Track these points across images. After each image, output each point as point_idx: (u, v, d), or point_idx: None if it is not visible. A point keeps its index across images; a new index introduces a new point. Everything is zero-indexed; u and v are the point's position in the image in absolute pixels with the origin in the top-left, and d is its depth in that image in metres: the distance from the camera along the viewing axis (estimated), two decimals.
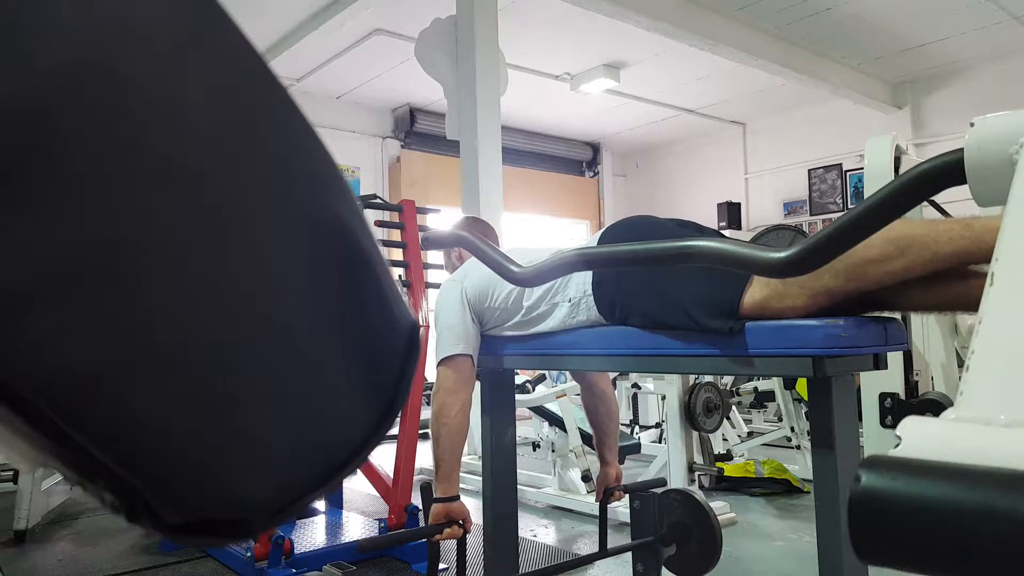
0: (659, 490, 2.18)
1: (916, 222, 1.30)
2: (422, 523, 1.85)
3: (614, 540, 3.17)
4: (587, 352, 1.66)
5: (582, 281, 1.65)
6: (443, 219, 3.92)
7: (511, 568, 1.94)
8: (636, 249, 1.08)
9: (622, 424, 5.34)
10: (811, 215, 8.14)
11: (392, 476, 3.11)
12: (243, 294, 0.39)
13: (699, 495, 2.13)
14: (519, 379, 4.20)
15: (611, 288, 1.58)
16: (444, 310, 1.87)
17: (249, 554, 2.63)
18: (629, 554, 2.17)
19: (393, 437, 3.16)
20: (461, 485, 4.52)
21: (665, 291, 1.46)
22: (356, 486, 3.95)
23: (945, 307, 1.33)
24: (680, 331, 1.44)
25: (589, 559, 2.29)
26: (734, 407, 4.56)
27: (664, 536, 2.08)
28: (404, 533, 2.29)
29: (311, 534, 3.09)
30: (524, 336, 1.79)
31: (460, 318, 1.83)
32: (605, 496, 2.16)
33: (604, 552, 2.16)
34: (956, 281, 1.23)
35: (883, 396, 1.87)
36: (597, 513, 2.23)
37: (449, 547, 3.15)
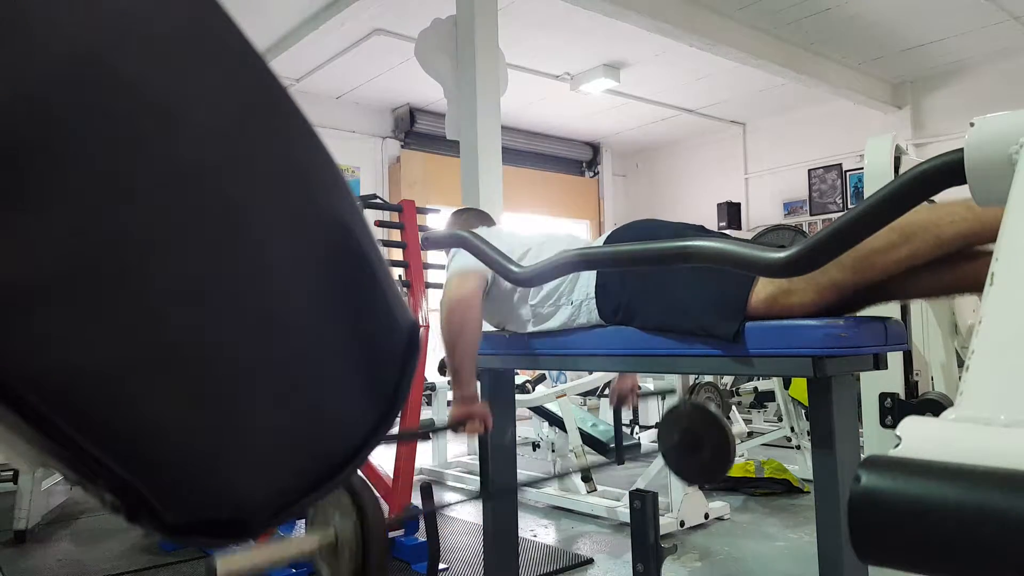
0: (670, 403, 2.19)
1: (918, 207, 1.30)
2: (422, 523, 1.85)
3: (615, 541, 3.17)
4: (587, 352, 1.66)
5: (585, 284, 1.65)
6: (443, 219, 3.92)
7: (511, 568, 1.94)
8: (637, 249, 1.08)
9: (622, 424, 5.34)
10: (811, 215, 8.14)
11: (392, 476, 3.11)
12: (243, 295, 0.39)
13: (711, 405, 2.10)
14: (519, 379, 4.20)
15: (614, 292, 1.58)
16: (461, 258, 1.81)
17: None
18: (629, 554, 2.17)
19: (393, 437, 3.16)
20: (460, 485, 4.52)
21: (670, 297, 1.45)
22: None
23: (955, 290, 1.32)
24: (684, 335, 1.43)
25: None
26: (734, 407, 4.56)
27: (679, 444, 2.03)
28: (427, 426, 2.33)
29: None
30: (524, 336, 1.79)
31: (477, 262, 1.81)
32: (619, 401, 2.17)
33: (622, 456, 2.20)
34: (964, 263, 1.22)
35: (883, 396, 1.87)
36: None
37: (449, 547, 3.15)
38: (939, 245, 1.18)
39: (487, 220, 2.29)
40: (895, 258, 1.20)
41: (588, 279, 1.64)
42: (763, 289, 1.31)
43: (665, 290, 1.46)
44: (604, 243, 1.65)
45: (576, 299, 1.66)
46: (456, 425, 1.75)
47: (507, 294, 1.78)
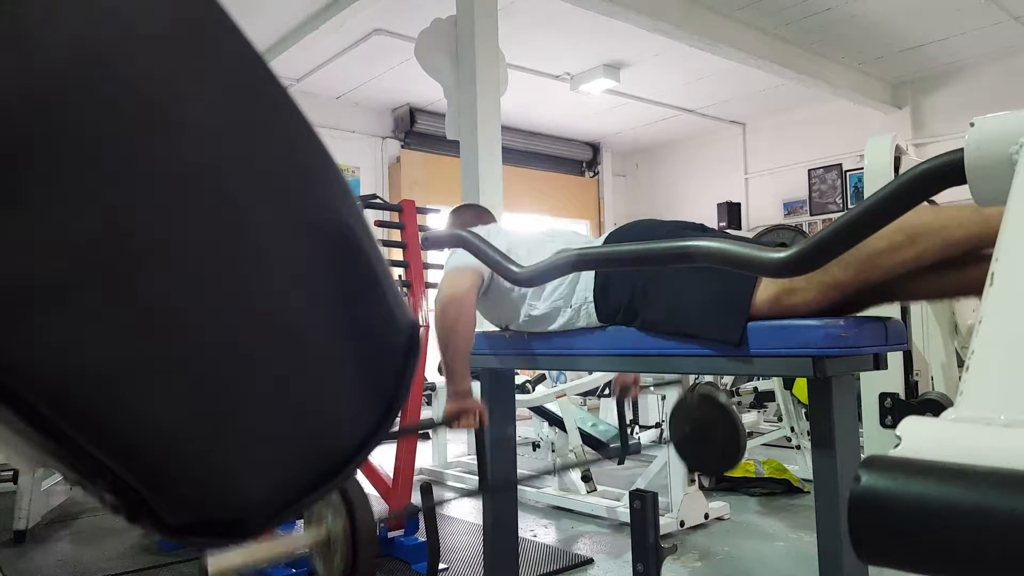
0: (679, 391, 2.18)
1: (925, 209, 1.28)
2: (422, 524, 1.85)
3: (615, 541, 3.17)
4: (587, 352, 1.66)
5: (584, 287, 1.64)
6: (443, 219, 3.92)
7: (511, 568, 1.94)
8: (636, 249, 1.08)
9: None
10: (811, 215, 8.13)
11: (392, 476, 3.11)
12: (243, 295, 0.39)
13: (721, 396, 2.08)
14: (519, 379, 4.20)
15: (615, 295, 1.57)
16: (457, 255, 1.80)
17: None
18: (629, 554, 2.17)
19: (393, 437, 3.15)
20: (460, 485, 4.51)
21: (672, 299, 1.45)
22: None
23: (960, 293, 1.32)
24: (685, 339, 1.42)
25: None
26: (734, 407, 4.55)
27: (690, 435, 2.02)
28: (426, 424, 2.33)
29: None
30: (524, 336, 1.79)
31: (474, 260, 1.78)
32: (622, 393, 2.18)
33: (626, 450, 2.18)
34: (970, 266, 1.21)
35: (883, 396, 1.87)
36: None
37: (449, 547, 3.15)
38: (945, 248, 1.18)
39: (487, 216, 2.27)
40: (900, 259, 1.19)
41: (587, 281, 1.63)
42: (766, 290, 1.31)
43: (667, 292, 1.46)
44: (603, 243, 1.65)
45: (575, 302, 1.65)
46: (451, 421, 1.74)
47: (506, 292, 1.78)
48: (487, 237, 1.81)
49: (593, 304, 1.61)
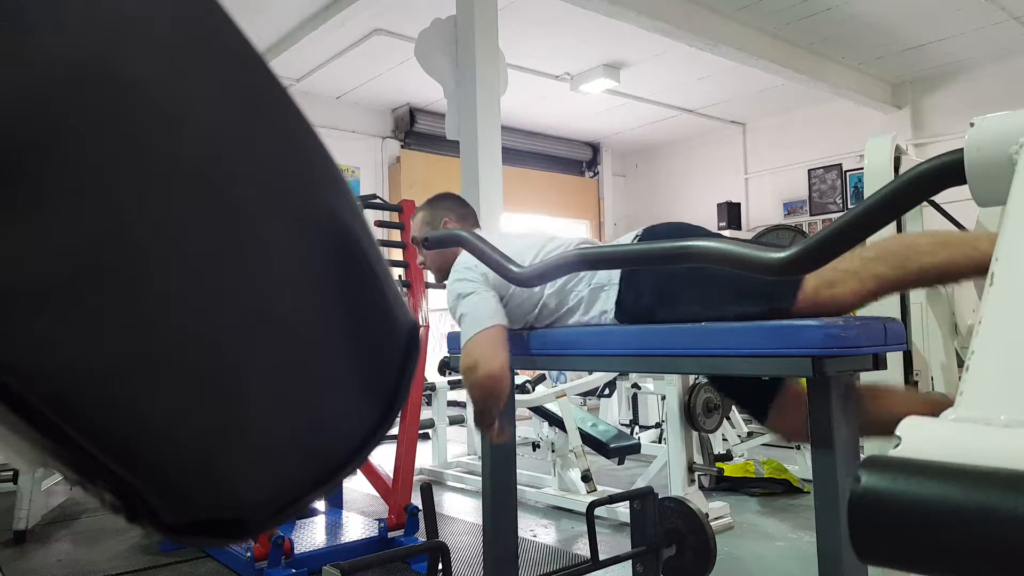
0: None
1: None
2: (422, 524, 1.84)
3: (614, 540, 3.17)
4: (587, 352, 1.66)
5: (607, 296, 1.63)
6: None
7: (511, 568, 1.94)
8: (636, 249, 1.08)
9: (622, 424, 5.35)
10: (811, 215, 8.14)
11: (392, 476, 3.11)
12: (242, 295, 0.39)
13: (692, 503, 2.15)
14: (519, 379, 4.20)
15: (637, 300, 1.57)
16: (464, 292, 1.72)
17: (249, 554, 2.63)
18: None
19: (393, 437, 3.16)
20: (461, 485, 4.51)
21: (707, 290, 1.45)
22: (356, 486, 3.95)
23: None
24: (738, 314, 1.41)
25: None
26: (734, 407, 4.55)
27: (660, 544, 2.09)
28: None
29: (311, 534, 3.08)
30: (524, 336, 1.79)
31: (484, 295, 1.70)
32: (591, 508, 2.19)
33: (597, 563, 2.18)
34: None
35: None
36: (597, 513, 2.24)
37: (449, 547, 3.15)
38: (973, 263, 1.22)
39: (467, 207, 2.20)
40: (931, 263, 1.26)
41: (610, 286, 1.62)
42: (807, 284, 1.34)
43: (708, 281, 1.45)
44: (638, 239, 1.64)
45: (596, 306, 1.64)
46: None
47: (519, 296, 1.75)
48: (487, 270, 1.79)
49: (616, 289, 1.60)
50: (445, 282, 1.88)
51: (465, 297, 1.71)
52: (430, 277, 3.39)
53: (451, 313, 1.76)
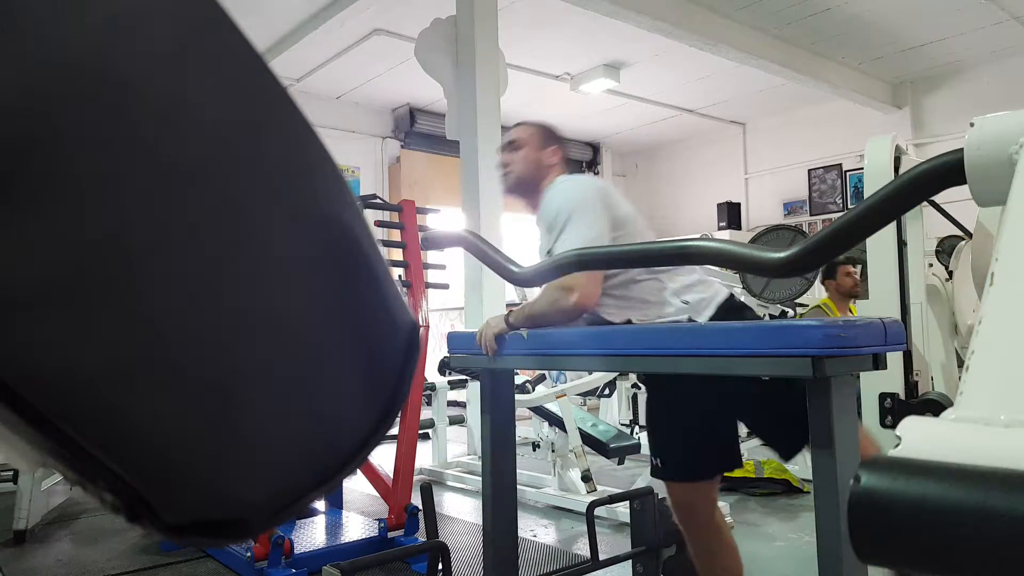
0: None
1: None
2: (422, 524, 1.85)
3: (614, 540, 3.17)
4: (587, 352, 1.65)
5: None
6: (443, 219, 3.92)
7: (511, 568, 1.94)
8: (635, 249, 1.08)
9: (622, 424, 5.35)
10: (811, 215, 8.14)
11: (392, 476, 3.11)
12: (243, 295, 0.39)
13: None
14: (519, 379, 4.20)
15: None
16: (582, 203, 1.71)
17: (249, 554, 2.63)
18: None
19: (393, 437, 3.16)
20: (460, 485, 4.51)
21: None
22: (356, 486, 3.95)
23: None
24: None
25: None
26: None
27: (660, 544, 2.09)
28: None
29: (311, 534, 3.08)
30: (524, 336, 1.79)
31: (603, 220, 1.69)
32: (591, 508, 2.20)
33: (597, 563, 2.18)
34: None
35: (883, 396, 1.87)
36: (597, 513, 2.24)
37: (449, 547, 3.14)
38: None
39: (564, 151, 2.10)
40: None
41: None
42: None
43: None
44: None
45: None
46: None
47: (649, 287, 1.67)
48: (612, 198, 1.76)
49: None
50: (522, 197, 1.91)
51: (587, 233, 1.67)
52: (430, 277, 3.40)
53: (551, 221, 1.75)
